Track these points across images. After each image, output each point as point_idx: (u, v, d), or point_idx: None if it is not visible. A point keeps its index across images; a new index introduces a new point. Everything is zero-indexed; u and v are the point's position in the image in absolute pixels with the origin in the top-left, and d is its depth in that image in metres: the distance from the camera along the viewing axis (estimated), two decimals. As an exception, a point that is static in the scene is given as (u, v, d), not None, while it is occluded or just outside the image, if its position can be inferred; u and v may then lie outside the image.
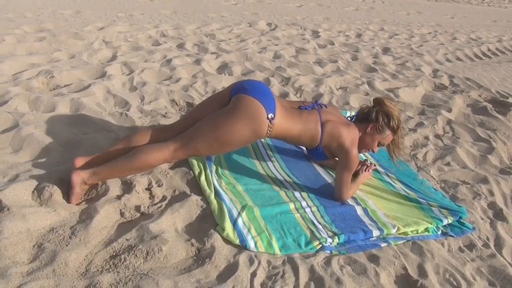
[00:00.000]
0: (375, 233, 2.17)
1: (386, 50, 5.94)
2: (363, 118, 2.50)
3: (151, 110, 3.16)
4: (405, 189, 2.60)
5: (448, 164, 3.03)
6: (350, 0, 11.45)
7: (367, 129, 2.45)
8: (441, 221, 2.31)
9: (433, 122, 3.65)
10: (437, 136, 3.42)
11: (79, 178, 2.07)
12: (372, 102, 2.54)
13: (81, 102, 3.05)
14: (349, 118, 2.63)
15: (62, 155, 2.48)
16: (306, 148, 2.52)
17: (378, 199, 2.48)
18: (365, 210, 2.34)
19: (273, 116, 2.17)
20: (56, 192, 2.10)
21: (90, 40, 4.60)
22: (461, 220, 2.37)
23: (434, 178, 2.83)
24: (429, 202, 2.45)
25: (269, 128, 2.19)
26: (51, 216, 1.98)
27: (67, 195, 2.13)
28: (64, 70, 3.57)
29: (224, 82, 3.89)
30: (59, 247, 1.82)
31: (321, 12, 8.86)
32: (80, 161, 2.18)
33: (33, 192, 2.10)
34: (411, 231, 2.24)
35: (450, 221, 2.33)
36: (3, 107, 2.86)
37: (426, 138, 3.36)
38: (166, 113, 3.19)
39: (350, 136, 2.36)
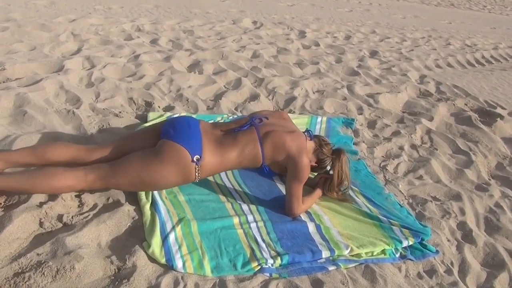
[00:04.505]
0: (325, 253, 1.95)
1: (373, 54, 5.72)
2: (317, 149, 2.34)
3: (103, 109, 2.94)
4: (367, 204, 2.38)
5: (420, 177, 2.81)
6: (346, 1, 11.21)
7: (312, 161, 2.34)
8: (401, 242, 2.09)
9: (411, 131, 3.43)
10: (413, 147, 3.21)
11: None
12: (332, 150, 2.38)
13: (27, 97, 2.83)
14: (306, 131, 2.41)
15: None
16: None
17: (335, 215, 2.26)
18: (318, 227, 2.12)
19: (199, 158, 2.03)
20: (-33, 198, 1.88)
21: (58, 32, 4.38)
22: (424, 242, 2.14)
23: (402, 193, 2.61)
24: (390, 220, 2.23)
25: (197, 170, 2.04)
26: (-43, 225, 1.77)
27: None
28: (18, 63, 3.35)
29: (192, 80, 3.68)
30: (-47, 262, 1.61)
31: (313, 12, 8.62)
32: None
33: None
34: (366, 253, 2.02)
35: (410, 243, 2.11)
36: None
37: (401, 148, 3.14)
38: (120, 112, 2.97)
39: (295, 143, 2.15)
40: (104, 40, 4.41)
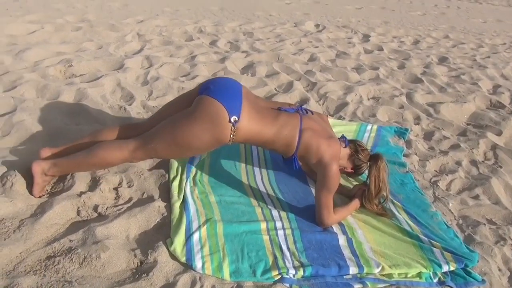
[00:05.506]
0: (353, 270, 1.84)
1: (442, 60, 5.33)
2: (352, 155, 2.23)
3: (153, 106, 3.06)
4: (409, 221, 2.21)
5: (476, 197, 2.55)
6: (420, 4, 10.59)
7: (348, 168, 2.26)
8: (440, 266, 1.91)
9: (473, 146, 3.14)
10: (472, 163, 2.92)
11: (39, 168, 2.01)
12: (370, 155, 2.27)
13: (86, 92, 3.03)
14: (344, 136, 2.31)
15: (45, 145, 2.43)
16: (282, 157, 2.25)
17: (370, 230, 2.12)
18: (349, 240, 2.01)
19: (236, 119, 1.94)
20: (19, 182, 2.05)
21: (124, 33, 4.65)
22: (468, 268, 1.94)
23: (452, 212, 2.39)
24: (432, 241, 2.05)
25: (232, 133, 1.96)
26: (6, 206, 1.93)
27: (31, 186, 2.08)
28: (84, 60, 3.60)
29: (243, 82, 3.69)
30: (-5, 240, 1.76)
31: (382, 15, 8.26)
32: (46, 152, 2.13)
33: (-2, 179, 2.07)
34: (398, 274, 1.87)
35: (452, 268, 1.92)
36: (10, 92, 2.92)
37: (458, 163, 2.88)
38: (168, 110, 3.06)
39: (330, 150, 2.05)
40: (166, 41, 4.60)
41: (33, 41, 4.06)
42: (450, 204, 2.44)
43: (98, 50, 4.02)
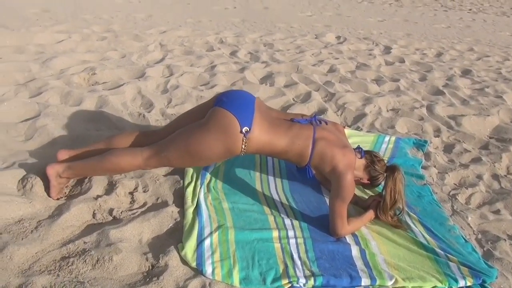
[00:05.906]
0: (365, 281, 1.82)
1: (466, 73, 5.23)
2: (368, 166, 2.21)
3: (172, 114, 3.11)
4: (425, 234, 2.16)
5: (497, 212, 2.48)
6: (444, 17, 10.43)
7: (364, 179, 2.25)
8: (456, 281, 1.86)
9: (495, 160, 3.05)
10: (494, 177, 2.84)
11: (53, 171, 2.07)
12: (386, 166, 2.25)
13: (107, 99, 3.11)
14: (361, 147, 2.29)
15: (66, 148, 2.52)
16: (296, 167, 2.25)
17: (385, 242, 2.09)
18: (362, 251, 1.98)
19: (248, 130, 1.97)
20: (38, 184, 2.11)
21: (147, 43, 4.77)
22: (486, 284, 1.88)
23: (471, 227, 2.32)
24: (448, 255, 1.99)
25: (244, 143, 1.99)
26: (25, 207, 2.00)
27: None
28: (107, 69, 3.70)
29: (261, 92, 3.72)
30: (13, 239, 1.81)
31: (404, 28, 8.18)
32: (63, 154, 2.19)
33: (19, 181, 2.14)
34: (412, 287, 1.83)
35: (469, 283, 1.86)
36: (35, 98, 3.03)
37: (479, 177, 2.81)
38: (186, 118, 3.11)
39: (345, 159, 2.04)
40: (187, 51, 4.68)
41: (60, 50, 4.21)
42: (469, 218, 2.38)
43: (121, 59, 4.14)
